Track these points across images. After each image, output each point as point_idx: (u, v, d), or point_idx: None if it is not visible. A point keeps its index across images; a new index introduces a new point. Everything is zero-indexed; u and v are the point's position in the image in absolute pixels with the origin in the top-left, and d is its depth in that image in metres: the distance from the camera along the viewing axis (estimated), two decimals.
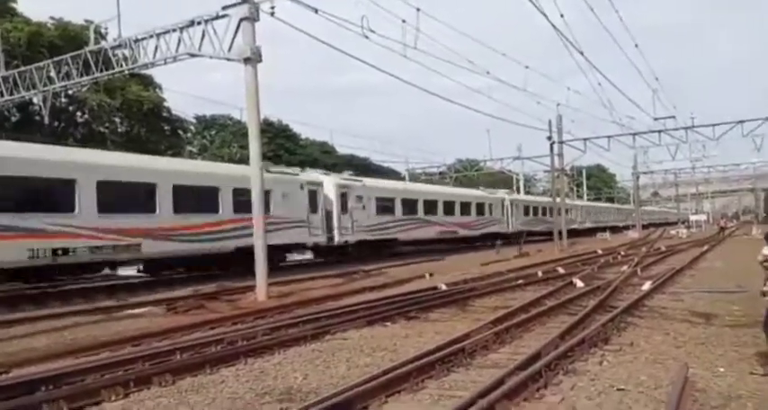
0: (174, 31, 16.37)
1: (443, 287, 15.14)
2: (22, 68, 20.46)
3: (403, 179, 49.92)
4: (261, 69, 15.06)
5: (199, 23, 15.85)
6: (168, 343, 9.20)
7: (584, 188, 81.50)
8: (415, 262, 25.97)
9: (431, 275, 19.57)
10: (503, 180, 69.51)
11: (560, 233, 36.09)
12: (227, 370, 7.52)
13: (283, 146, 52.86)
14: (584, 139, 36.82)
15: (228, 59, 15.29)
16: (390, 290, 15.67)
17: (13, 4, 33.16)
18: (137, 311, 13.37)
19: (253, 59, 14.81)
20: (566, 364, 6.94)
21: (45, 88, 19.81)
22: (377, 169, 58.67)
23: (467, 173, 53.58)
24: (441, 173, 53.22)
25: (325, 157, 58.00)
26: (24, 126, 30.97)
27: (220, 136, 55.83)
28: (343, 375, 7.16)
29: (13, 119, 32.24)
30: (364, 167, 57.76)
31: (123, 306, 14.08)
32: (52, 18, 33.76)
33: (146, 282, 18.34)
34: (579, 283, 15.03)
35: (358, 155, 60.41)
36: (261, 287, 14.81)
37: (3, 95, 20.30)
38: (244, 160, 25.18)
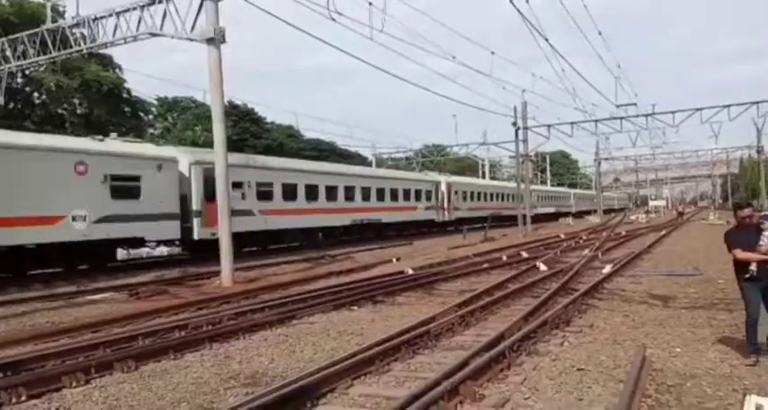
0: (135, 9, 15.92)
1: (410, 271, 15.23)
2: None
3: (370, 164, 49.87)
4: (224, 50, 14.79)
5: (160, 2, 15.44)
6: (130, 328, 9.06)
7: (548, 174, 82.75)
8: (382, 246, 26.03)
9: (398, 260, 19.67)
10: (469, 165, 70.11)
11: (524, 218, 36.61)
12: (191, 356, 7.45)
13: (248, 129, 52.09)
14: (549, 126, 37.30)
15: (191, 40, 14.95)
16: (357, 275, 15.69)
17: None
18: (97, 297, 13.12)
19: (216, 40, 14.50)
20: (528, 345, 7.07)
21: (0, 68, 19.08)
22: (343, 154, 58.46)
23: (433, 158, 53.76)
24: (407, 158, 53.33)
25: (290, 142, 57.49)
26: None
27: (183, 118, 54.72)
28: (309, 359, 7.16)
29: None
30: (330, 152, 57.52)
31: (83, 291, 13.79)
32: None
33: (108, 268, 17.96)
34: (542, 267, 15.30)
35: (324, 139, 60.08)
36: (226, 272, 14.65)
37: None
38: (207, 143, 24.70)
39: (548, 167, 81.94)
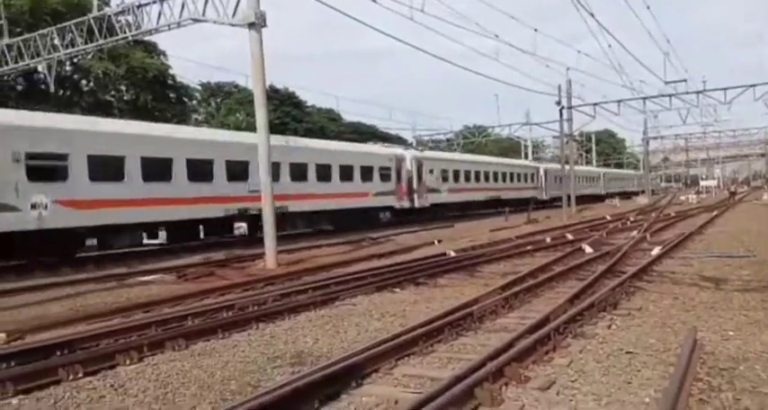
0: None
1: (452, 253, 15.17)
2: (26, 36, 20.27)
3: (411, 146, 49.76)
4: (265, 34, 14.86)
5: None
6: (180, 308, 9.31)
7: (594, 154, 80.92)
8: (424, 229, 26.00)
9: (439, 242, 19.62)
10: (511, 146, 69.12)
11: (569, 199, 35.95)
12: (238, 335, 7.61)
13: (290, 113, 52.51)
14: (594, 104, 36.41)
15: (232, 25, 15.07)
16: (399, 257, 15.73)
17: None
18: (148, 278, 13.51)
19: (257, 24, 14.58)
20: (574, 328, 6.96)
21: (49, 56, 19.67)
22: (383, 136, 58.41)
23: (474, 139, 53.18)
24: (448, 139, 52.89)
25: (331, 125, 57.71)
26: (30, 95, 30.86)
27: (226, 103, 55.51)
28: (353, 339, 7.23)
29: (19, 87, 32.10)
30: (370, 135, 57.53)
31: (134, 273, 14.23)
32: None
33: (156, 250, 18.47)
34: (588, 249, 15.02)
35: (365, 122, 60.08)
36: (270, 254, 14.90)
37: (7, 64, 20.18)
38: (250, 127, 24.92)
39: (593, 147, 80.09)
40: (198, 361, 6.48)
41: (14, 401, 5.36)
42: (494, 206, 37.74)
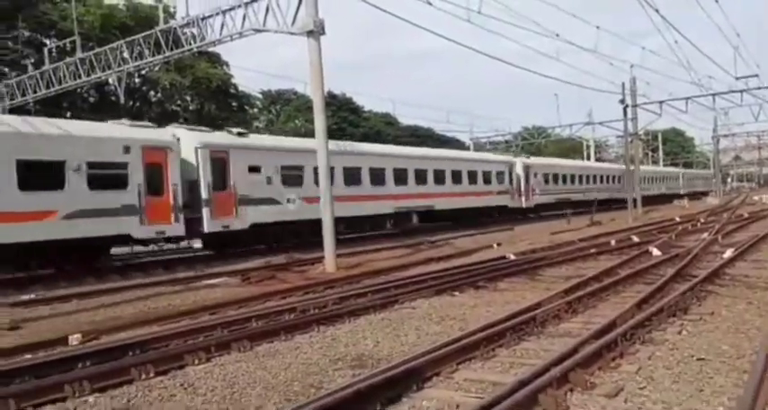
0: (239, 6, 16.60)
1: (512, 256, 14.96)
2: (98, 50, 21.31)
3: (467, 149, 49.34)
4: (324, 41, 15.08)
5: None
6: (244, 311, 9.55)
7: (660, 153, 78.08)
8: (482, 232, 25.75)
9: (498, 245, 19.37)
10: (572, 147, 67.56)
11: (634, 201, 34.81)
12: (300, 337, 7.74)
13: (347, 119, 53.13)
14: (660, 102, 35.07)
15: (292, 33, 15.38)
16: (457, 261, 15.61)
17: None
18: (213, 281, 13.91)
19: (316, 32, 14.83)
20: (643, 334, 6.74)
21: (119, 68, 20.61)
22: (440, 139, 58.21)
23: (533, 140, 52.25)
24: (506, 141, 52.18)
25: (388, 129, 57.99)
26: (101, 106, 32.42)
27: (285, 110, 56.69)
28: (413, 343, 7.23)
29: (92, 99, 33.76)
30: (427, 138, 57.46)
31: (200, 276, 14.68)
32: None
33: (221, 255, 19.01)
34: (656, 252, 14.49)
35: (422, 125, 60.05)
36: (329, 258, 15.09)
37: (81, 77, 21.26)
38: (309, 133, 25.38)
39: (659, 146, 77.27)
40: (262, 362, 6.64)
41: (91, 399, 5.63)
42: (586, 205, 38.60)
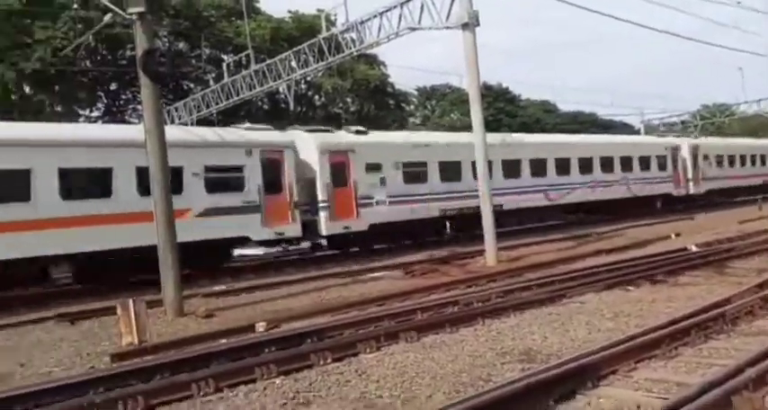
0: (395, 7, 16.97)
1: (694, 248, 13.76)
2: (269, 61, 23.02)
3: (637, 133, 46.07)
4: (477, 33, 14.94)
5: None
6: (409, 303, 9.81)
7: None
8: (657, 222, 23.89)
9: (677, 235, 17.89)
10: (760, 125, 60.25)
11: None
12: (465, 330, 7.77)
13: (503, 109, 52.17)
14: None
15: (448, 28, 15.43)
16: (630, 253, 14.67)
17: (257, 4, 37.32)
18: (378, 275, 14.42)
19: (470, 25, 14.75)
20: None
21: (288, 77, 22.08)
22: (604, 124, 54.95)
23: (714, 119, 47.25)
24: (683, 122, 47.74)
25: (547, 117, 56.02)
26: (274, 113, 35.04)
27: (441, 105, 57.07)
28: (584, 339, 6.94)
29: (265, 107, 36.61)
30: (590, 124, 54.57)
31: (367, 270, 15.31)
32: (289, 12, 37.40)
33: (387, 248, 19.58)
34: None
35: (584, 110, 57.15)
36: (490, 251, 14.96)
37: (255, 87, 23.13)
38: (465, 127, 25.27)
39: None
40: (429, 353, 6.77)
41: (277, 381, 6.12)
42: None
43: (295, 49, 21.81)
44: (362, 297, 11.01)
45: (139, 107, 26.36)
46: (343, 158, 18.21)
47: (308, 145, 17.84)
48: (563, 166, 24.56)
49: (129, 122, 30.26)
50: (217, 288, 13.43)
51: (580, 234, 20.36)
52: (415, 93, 54.37)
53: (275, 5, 45.81)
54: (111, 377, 6.23)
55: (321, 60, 20.29)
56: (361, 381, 5.93)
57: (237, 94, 23.82)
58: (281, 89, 28.12)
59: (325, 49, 19.84)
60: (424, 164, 20.15)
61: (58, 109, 30.38)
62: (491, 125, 38.28)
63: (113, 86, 33.81)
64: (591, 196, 25.38)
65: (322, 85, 36.88)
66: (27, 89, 29.03)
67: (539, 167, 23.72)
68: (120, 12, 10.99)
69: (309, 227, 17.42)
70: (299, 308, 10.34)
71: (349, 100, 40.39)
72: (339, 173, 17.96)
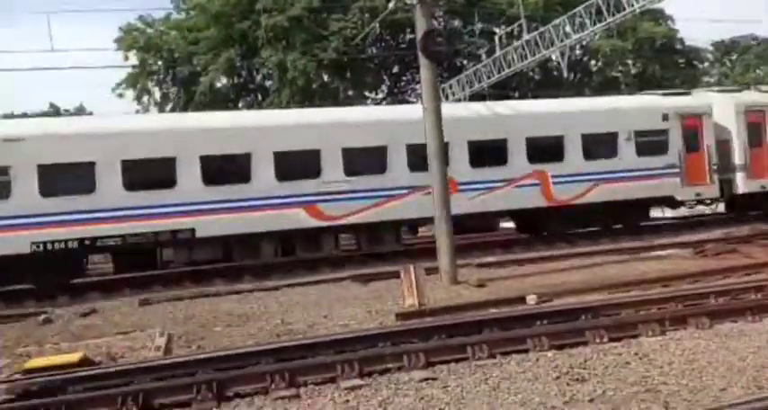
0: None
1: None
2: (541, 29, 22.37)
3: None
4: None
5: None
6: (700, 285, 8.86)
7: None
8: None
9: None
10: None
11: None
12: None
13: None
14: None
15: None
16: None
17: None
18: (662, 253, 13.25)
19: None
20: None
21: (562, 43, 21.20)
22: None
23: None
24: None
25: None
26: (545, 82, 34.08)
27: (743, 59, 49.20)
28: None
29: (536, 77, 35.81)
30: None
31: (648, 247, 14.13)
32: None
33: (671, 225, 17.87)
34: None
35: None
36: None
37: (527, 57, 22.73)
38: None
39: None
40: (724, 342, 6.05)
41: (549, 354, 6.06)
42: None
43: (570, 13, 20.82)
44: (643, 276, 10.23)
45: (418, 87, 28.10)
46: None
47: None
48: None
49: (409, 102, 32.37)
50: (489, 259, 13.75)
51: None
52: (710, 48, 47.73)
53: None
54: (397, 333, 6.87)
55: (599, 22, 19.04)
56: (642, 365, 5.55)
57: (509, 66, 23.68)
58: (553, 57, 27.08)
59: (604, 8, 18.52)
60: None
61: (350, 93, 33.90)
62: None
63: (395, 69, 36.45)
64: None
65: (599, 49, 34.60)
66: (325, 77, 32.93)
67: None
68: None
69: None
70: (571, 284, 10.04)
71: (629, 62, 37.21)
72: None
